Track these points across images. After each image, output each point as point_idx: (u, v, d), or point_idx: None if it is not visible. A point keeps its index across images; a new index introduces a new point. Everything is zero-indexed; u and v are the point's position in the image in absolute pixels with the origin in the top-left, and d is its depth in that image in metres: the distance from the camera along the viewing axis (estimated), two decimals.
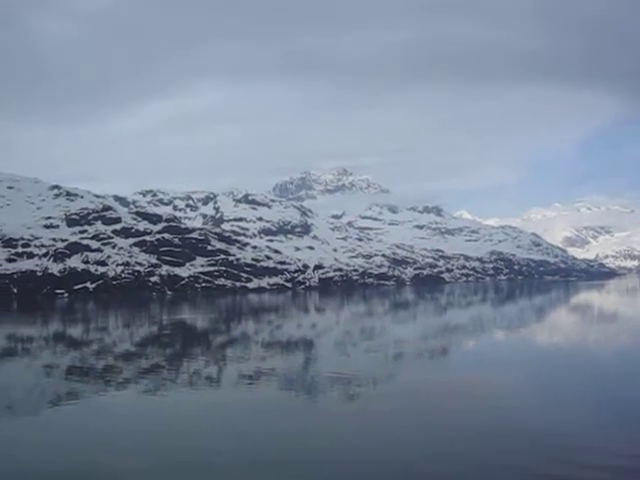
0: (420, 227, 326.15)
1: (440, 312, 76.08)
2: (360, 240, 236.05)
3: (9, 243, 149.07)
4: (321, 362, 32.67)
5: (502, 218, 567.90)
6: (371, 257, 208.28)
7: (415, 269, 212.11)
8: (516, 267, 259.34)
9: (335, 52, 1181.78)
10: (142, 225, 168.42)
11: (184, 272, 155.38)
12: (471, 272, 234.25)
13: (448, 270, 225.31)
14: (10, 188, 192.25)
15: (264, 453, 16.11)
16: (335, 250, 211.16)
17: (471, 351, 38.63)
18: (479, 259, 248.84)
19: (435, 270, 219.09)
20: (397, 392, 23.90)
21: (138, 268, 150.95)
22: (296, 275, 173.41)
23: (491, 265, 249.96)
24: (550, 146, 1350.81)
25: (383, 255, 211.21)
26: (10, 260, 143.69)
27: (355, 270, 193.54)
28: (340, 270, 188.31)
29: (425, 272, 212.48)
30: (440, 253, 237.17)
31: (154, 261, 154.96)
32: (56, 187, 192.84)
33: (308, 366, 31.78)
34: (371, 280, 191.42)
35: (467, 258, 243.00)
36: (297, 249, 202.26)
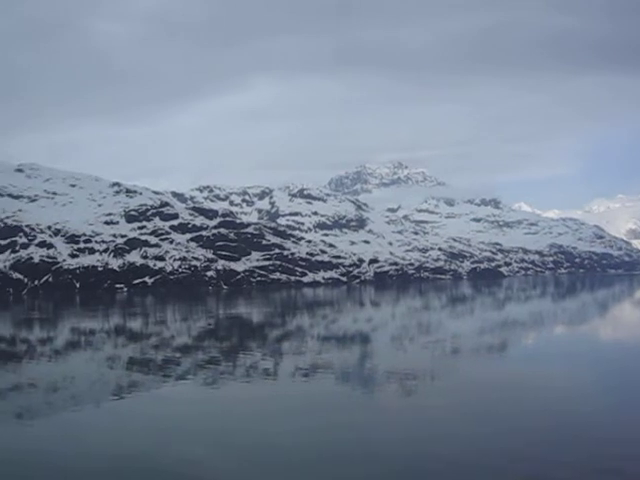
0: (477, 220, 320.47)
1: (498, 306, 74.49)
2: (416, 234, 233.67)
3: (72, 239, 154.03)
4: (377, 356, 32.36)
5: (562, 210, 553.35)
6: (427, 251, 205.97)
7: (472, 263, 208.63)
8: (577, 260, 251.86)
9: (390, 44, 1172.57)
10: (199, 220, 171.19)
11: (240, 266, 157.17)
12: (530, 266, 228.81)
13: (506, 264, 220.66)
14: (73, 186, 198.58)
15: (321, 446, 15.98)
16: (390, 244, 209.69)
17: (531, 347, 37.59)
18: (538, 252, 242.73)
19: (493, 264, 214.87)
20: (455, 387, 23.41)
21: (195, 263, 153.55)
22: (351, 269, 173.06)
23: (551, 258, 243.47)
24: (613, 136, 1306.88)
25: (439, 249, 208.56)
26: (73, 256, 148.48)
27: (411, 264, 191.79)
28: (395, 264, 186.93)
29: (482, 266, 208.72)
30: (498, 246, 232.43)
31: (210, 256, 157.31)
32: (116, 184, 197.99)
33: (364, 360, 31.52)
34: (427, 274, 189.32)
35: (526, 251, 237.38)
36: (352, 243, 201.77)
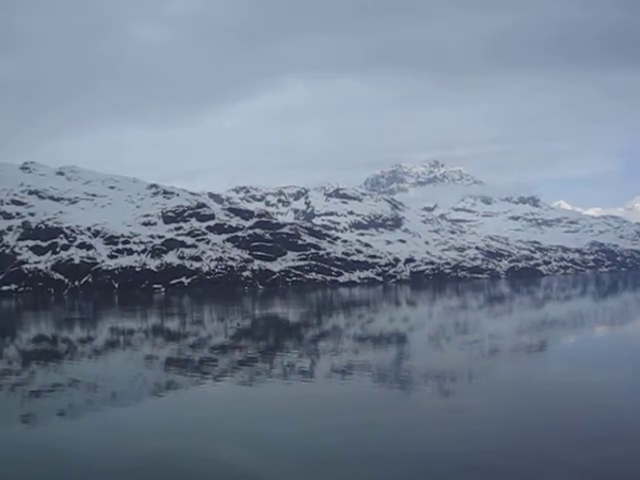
0: (515, 218, 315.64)
1: (537, 306, 73.16)
2: (453, 232, 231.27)
3: (110, 240, 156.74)
4: (414, 356, 32.04)
5: (604, 208, 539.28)
6: (464, 250, 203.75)
7: (510, 262, 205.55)
8: (619, 259, 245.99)
9: (423, 42, 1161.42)
10: (235, 221, 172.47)
11: (275, 267, 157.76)
12: (570, 264, 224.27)
13: (545, 262, 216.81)
14: (111, 188, 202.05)
15: (359, 447, 15.82)
16: (427, 243, 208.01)
17: (571, 347, 36.76)
18: (578, 251, 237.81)
19: (531, 262, 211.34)
20: (492, 388, 22.99)
21: (231, 263, 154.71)
22: (387, 269, 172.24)
23: (591, 257, 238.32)
24: None
25: (477, 247, 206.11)
26: (112, 257, 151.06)
27: (447, 263, 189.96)
28: (432, 263, 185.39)
29: (521, 265, 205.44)
30: (537, 245, 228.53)
31: (246, 256, 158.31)
32: (154, 186, 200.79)
33: (401, 360, 31.22)
34: (464, 273, 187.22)
35: (565, 250, 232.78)
36: (388, 242, 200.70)
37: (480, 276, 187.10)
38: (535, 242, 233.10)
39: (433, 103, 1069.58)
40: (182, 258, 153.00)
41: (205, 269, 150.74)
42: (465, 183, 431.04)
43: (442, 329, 46.59)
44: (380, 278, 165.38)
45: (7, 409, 21.55)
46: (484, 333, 43.03)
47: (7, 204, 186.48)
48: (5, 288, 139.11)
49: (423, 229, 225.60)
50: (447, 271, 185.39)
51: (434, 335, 42.21)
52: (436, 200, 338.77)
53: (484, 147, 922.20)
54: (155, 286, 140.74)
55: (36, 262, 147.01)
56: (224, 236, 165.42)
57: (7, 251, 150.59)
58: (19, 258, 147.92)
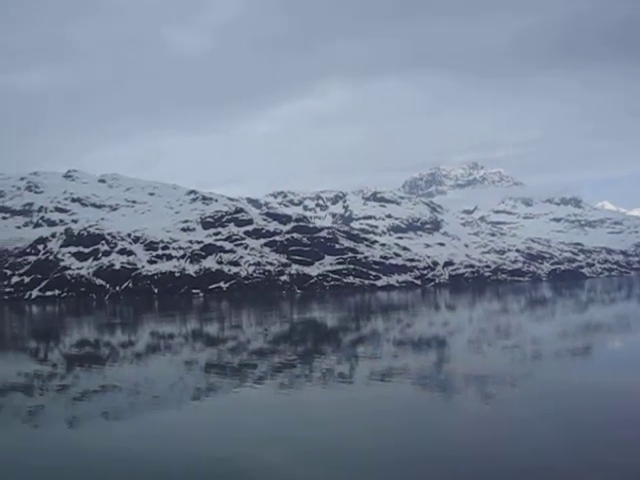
0: (557, 220, 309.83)
1: (581, 309, 71.46)
2: (493, 235, 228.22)
3: (150, 246, 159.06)
4: (454, 360, 31.53)
5: None
6: (504, 252, 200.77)
7: (552, 264, 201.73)
8: None
9: (461, 43, 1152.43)
10: (272, 225, 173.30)
11: (313, 271, 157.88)
12: (614, 266, 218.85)
13: (588, 265, 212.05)
14: (151, 194, 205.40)
15: (400, 451, 15.56)
16: (466, 246, 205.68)
17: (616, 351, 35.73)
18: (623, 252, 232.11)
19: (574, 265, 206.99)
20: (536, 393, 22.44)
21: (269, 268, 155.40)
22: (425, 272, 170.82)
23: (637, 259, 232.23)
24: None
25: (517, 250, 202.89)
26: (151, 262, 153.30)
27: (487, 266, 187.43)
28: (471, 266, 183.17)
29: (563, 267, 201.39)
30: (579, 247, 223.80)
31: (284, 260, 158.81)
32: (193, 192, 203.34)
33: (441, 364, 30.75)
34: (504, 276, 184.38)
35: (610, 251, 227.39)
36: (427, 246, 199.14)
37: (521, 279, 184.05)
38: (578, 244, 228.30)
39: (472, 104, 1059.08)
40: (220, 263, 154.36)
41: (243, 274, 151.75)
42: (505, 185, 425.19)
43: (483, 333, 45.82)
44: (419, 282, 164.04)
45: (53, 411, 21.92)
46: (526, 337, 42.14)
47: (51, 211, 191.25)
48: (49, 293, 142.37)
49: (462, 232, 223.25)
50: (487, 274, 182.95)
51: (475, 339, 41.52)
52: (475, 202, 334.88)
53: (524, 148, 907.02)
54: (194, 291, 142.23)
55: (78, 268, 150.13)
56: (262, 241, 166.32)
57: (51, 257, 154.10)
58: (62, 264, 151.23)
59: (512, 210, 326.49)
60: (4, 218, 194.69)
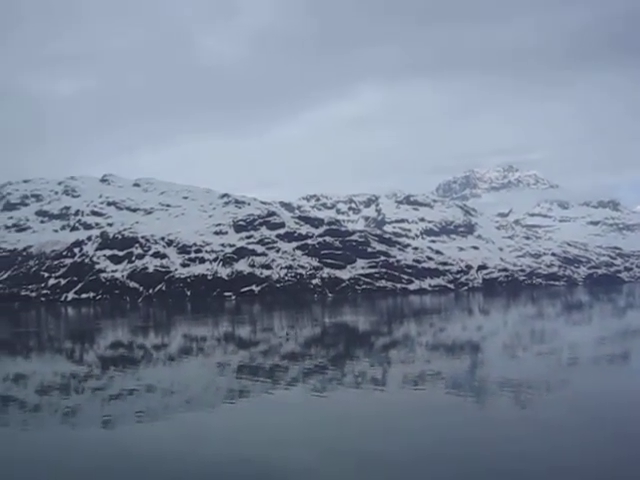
0: (594, 223, 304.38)
1: (619, 314, 69.89)
2: (528, 238, 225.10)
3: (183, 249, 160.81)
4: (488, 366, 31.05)
5: None
6: (540, 256, 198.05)
7: (589, 268, 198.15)
8: None
9: (494, 44, 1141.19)
10: (304, 229, 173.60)
11: (345, 274, 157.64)
12: None
13: (627, 269, 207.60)
14: (185, 198, 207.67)
15: (433, 457, 15.36)
16: (501, 249, 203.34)
17: None
18: None
19: (612, 269, 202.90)
20: (572, 400, 21.88)
21: (300, 271, 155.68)
22: (459, 276, 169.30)
23: None
24: None
25: (553, 254, 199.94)
26: (184, 265, 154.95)
27: (522, 270, 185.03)
28: (505, 270, 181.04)
29: (600, 271, 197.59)
30: (617, 250, 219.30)
31: (316, 264, 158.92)
32: (225, 195, 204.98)
33: (475, 369, 30.32)
34: (539, 280, 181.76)
35: None
36: (460, 249, 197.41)
37: (556, 283, 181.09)
38: (616, 248, 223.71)
39: (506, 106, 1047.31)
40: (252, 266, 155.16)
41: (275, 277, 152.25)
42: (541, 187, 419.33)
43: (517, 338, 45.08)
44: (451, 286, 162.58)
45: (89, 412, 22.19)
46: (562, 342, 41.34)
47: (87, 215, 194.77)
48: (84, 296, 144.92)
49: (497, 235, 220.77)
50: (521, 278, 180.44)
51: (509, 344, 40.87)
52: (510, 205, 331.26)
53: (560, 150, 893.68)
54: (226, 294, 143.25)
55: (113, 271, 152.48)
56: (294, 244, 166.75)
57: (86, 260, 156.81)
58: (97, 267, 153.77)
59: (548, 213, 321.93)
60: (42, 222, 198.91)
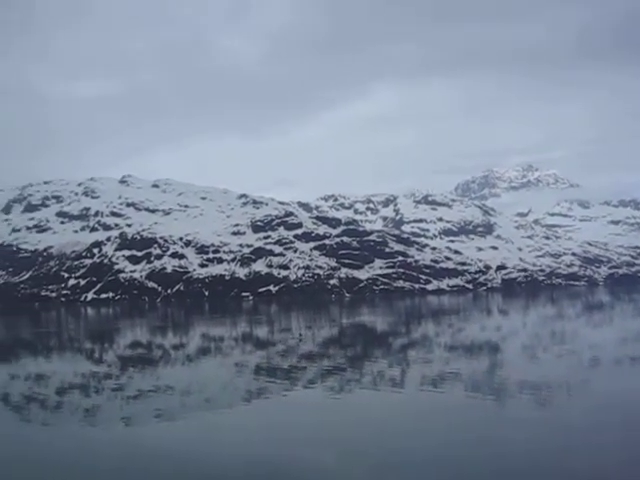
0: (615, 222, 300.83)
1: None
2: (547, 238, 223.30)
3: (202, 250, 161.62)
4: (508, 367, 30.75)
5: None
6: (560, 256, 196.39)
7: (610, 268, 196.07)
8: None
9: (513, 41, 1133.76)
10: (322, 229, 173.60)
11: (362, 274, 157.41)
12: None
13: None
14: (203, 199, 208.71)
15: (452, 459, 15.19)
16: (520, 249, 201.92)
17: None
18: None
19: (633, 269, 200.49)
20: (593, 402, 21.58)
21: (318, 271, 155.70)
22: (477, 276, 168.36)
23: None
24: None
25: (573, 254, 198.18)
26: (202, 265, 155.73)
27: (541, 270, 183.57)
28: (525, 270, 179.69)
29: (621, 271, 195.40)
30: (639, 250, 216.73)
31: (333, 264, 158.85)
32: (243, 196, 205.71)
33: (494, 370, 30.04)
34: (559, 280, 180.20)
35: None
36: (479, 249, 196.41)
37: (576, 283, 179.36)
38: (637, 247, 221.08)
39: (525, 104, 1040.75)
40: (270, 266, 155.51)
41: (292, 277, 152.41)
42: (560, 187, 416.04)
43: (537, 338, 44.62)
44: (470, 286, 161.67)
45: (108, 411, 22.31)
46: (583, 343, 40.83)
47: (107, 216, 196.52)
48: (103, 296, 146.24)
49: (516, 235, 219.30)
50: (541, 278, 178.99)
51: (529, 345, 40.48)
52: (530, 205, 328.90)
53: (581, 148, 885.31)
54: (244, 294, 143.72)
55: (132, 271, 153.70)
56: (311, 244, 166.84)
57: (105, 261, 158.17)
58: (116, 267, 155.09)
59: (568, 213, 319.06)
60: (62, 222, 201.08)
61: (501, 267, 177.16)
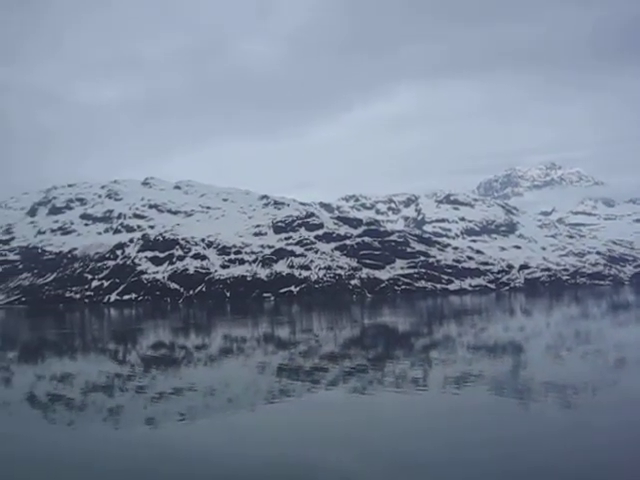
0: None
1: None
2: (571, 237, 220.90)
3: (223, 251, 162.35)
4: (531, 367, 30.41)
5: None
6: (584, 255, 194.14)
7: (635, 267, 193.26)
8: None
9: (531, 41, 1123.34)
10: (343, 229, 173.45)
11: (384, 275, 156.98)
12: None
13: None
14: (225, 200, 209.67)
15: (475, 460, 15.04)
16: (543, 249, 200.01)
17: None
18: None
19: None
20: (619, 402, 21.21)
21: (339, 271, 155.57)
22: (500, 276, 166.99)
23: None
24: None
25: (598, 252, 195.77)
26: (224, 267, 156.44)
27: (565, 269, 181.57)
28: (548, 270, 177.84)
29: None
30: None
31: (354, 264, 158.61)
32: (265, 197, 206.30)
33: (518, 371, 29.74)
34: (583, 280, 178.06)
35: None
36: (502, 249, 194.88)
37: (601, 283, 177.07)
38: None
39: (548, 103, 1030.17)
40: (291, 267, 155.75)
41: (313, 278, 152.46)
42: (584, 185, 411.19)
43: (561, 338, 44.10)
44: (492, 286, 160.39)
45: (132, 411, 22.50)
46: (608, 343, 40.25)
47: (129, 218, 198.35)
48: (126, 297, 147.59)
49: (539, 234, 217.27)
50: (564, 278, 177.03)
51: (553, 345, 40.01)
52: (553, 204, 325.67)
53: (606, 146, 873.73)
54: (265, 295, 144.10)
55: (154, 272, 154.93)
56: (332, 245, 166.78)
57: (128, 262, 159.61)
58: (139, 269, 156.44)
59: (592, 211, 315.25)
60: (86, 225, 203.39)
61: (524, 267, 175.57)
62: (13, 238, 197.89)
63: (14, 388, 29.65)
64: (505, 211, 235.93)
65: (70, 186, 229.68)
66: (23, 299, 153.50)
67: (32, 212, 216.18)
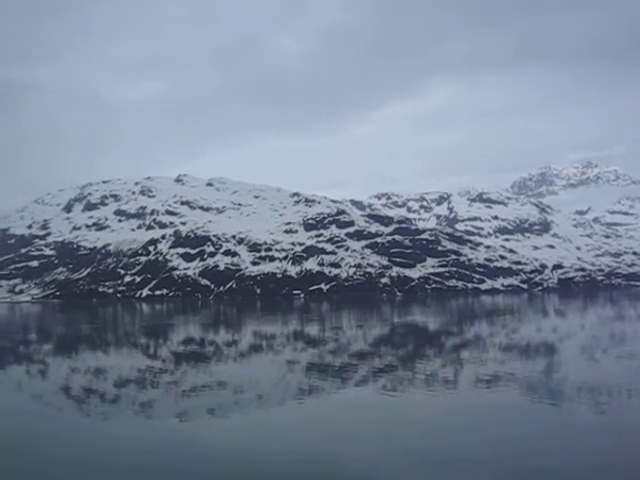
0: None
1: None
2: (607, 237, 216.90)
3: (254, 248, 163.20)
4: (565, 368, 29.93)
5: None
6: (620, 255, 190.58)
7: None
8: None
9: (564, 36, 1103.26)
10: (374, 227, 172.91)
11: (414, 273, 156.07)
12: None
13: None
14: (256, 197, 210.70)
15: (508, 461, 14.84)
16: (578, 248, 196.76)
17: None
18: None
19: None
20: None
21: (369, 270, 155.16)
22: (532, 276, 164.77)
23: None
24: None
25: (634, 253, 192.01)
26: (254, 263, 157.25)
27: (600, 270, 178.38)
28: (582, 270, 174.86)
29: None
30: None
31: (385, 262, 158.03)
32: (296, 194, 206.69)
33: (551, 372, 29.29)
34: (619, 281, 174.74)
35: None
36: (535, 248, 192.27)
37: (638, 284, 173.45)
38: None
39: (585, 100, 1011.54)
40: (321, 265, 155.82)
41: (343, 275, 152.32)
42: (622, 184, 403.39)
43: (596, 340, 43.30)
44: (525, 286, 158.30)
45: (163, 406, 22.73)
46: None
47: (162, 214, 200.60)
48: (158, 293, 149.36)
49: (574, 233, 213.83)
50: (599, 278, 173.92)
51: (587, 346, 39.31)
52: (589, 203, 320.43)
53: None
54: (295, 292, 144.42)
55: (185, 268, 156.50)
56: (363, 242, 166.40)
57: (160, 258, 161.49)
58: (170, 265, 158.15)
59: (629, 210, 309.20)
60: (120, 221, 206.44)
61: (558, 266, 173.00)
62: (49, 233, 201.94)
63: (50, 380, 30.24)
64: (539, 210, 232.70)
65: (105, 183, 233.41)
66: (58, 293, 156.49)
67: (68, 208, 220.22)
